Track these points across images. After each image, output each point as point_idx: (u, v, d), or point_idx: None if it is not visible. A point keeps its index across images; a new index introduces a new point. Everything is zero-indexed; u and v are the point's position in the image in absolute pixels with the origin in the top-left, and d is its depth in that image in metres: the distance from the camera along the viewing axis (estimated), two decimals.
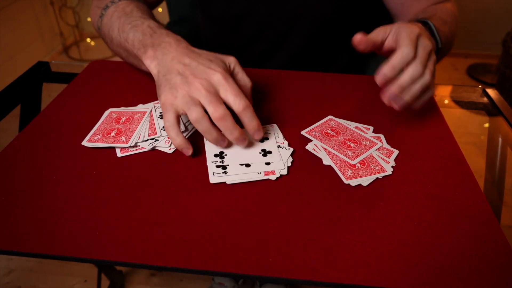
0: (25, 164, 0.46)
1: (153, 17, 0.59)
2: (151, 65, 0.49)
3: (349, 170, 0.45)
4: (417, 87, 0.46)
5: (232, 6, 0.73)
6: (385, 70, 0.44)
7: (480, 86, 0.70)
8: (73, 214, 0.40)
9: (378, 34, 0.48)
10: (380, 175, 0.45)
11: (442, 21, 0.59)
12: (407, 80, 0.45)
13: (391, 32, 0.48)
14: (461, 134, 0.53)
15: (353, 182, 0.44)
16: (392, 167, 0.46)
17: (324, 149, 0.48)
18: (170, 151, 0.48)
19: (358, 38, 0.46)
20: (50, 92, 0.65)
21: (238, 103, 0.44)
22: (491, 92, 0.67)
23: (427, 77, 0.46)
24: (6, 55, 1.95)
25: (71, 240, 0.37)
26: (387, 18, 0.75)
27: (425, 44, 0.47)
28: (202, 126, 0.43)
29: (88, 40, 2.54)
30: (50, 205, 0.41)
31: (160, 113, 0.54)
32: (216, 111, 0.43)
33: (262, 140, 0.49)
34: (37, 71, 0.72)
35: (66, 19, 2.34)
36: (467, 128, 0.60)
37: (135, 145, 0.49)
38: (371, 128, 0.53)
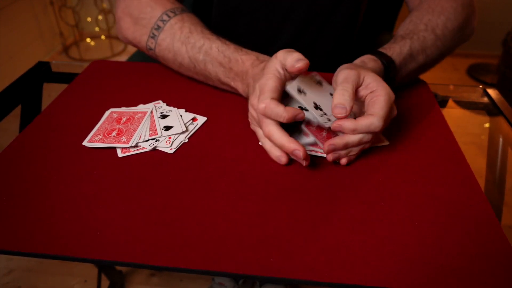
0: (26, 164, 0.46)
1: (205, 26, 0.60)
2: (245, 91, 0.55)
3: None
4: (358, 149, 0.46)
5: None
6: (336, 141, 0.44)
7: (480, 86, 0.70)
8: (73, 214, 0.40)
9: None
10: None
11: (428, 32, 0.58)
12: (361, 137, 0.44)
13: (363, 83, 0.46)
14: (461, 134, 0.53)
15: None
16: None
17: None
18: (171, 151, 0.48)
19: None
20: (51, 92, 0.65)
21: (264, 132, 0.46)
22: (491, 92, 0.67)
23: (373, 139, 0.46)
24: (6, 55, 1.95)
25: (71, 240, 0.37)
26: (385, 11, 0.75)
27: (394, 114, 0.47)
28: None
29: (88, 40, 2.54)
30: (50, 205, 0.41)
31: (161, 113, 0.54)
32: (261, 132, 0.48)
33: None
34: (38, 71, 0.72)
35: (66, 19, 2.34)
36: (467, 128, 0.60)
37: (136, 145, 0.49)
38: None
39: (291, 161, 0.47)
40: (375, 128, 0.43)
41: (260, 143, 0.49)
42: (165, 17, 0.59)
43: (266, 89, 0.45)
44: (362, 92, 0.46)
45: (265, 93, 0.45)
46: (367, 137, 0.45)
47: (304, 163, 0.45)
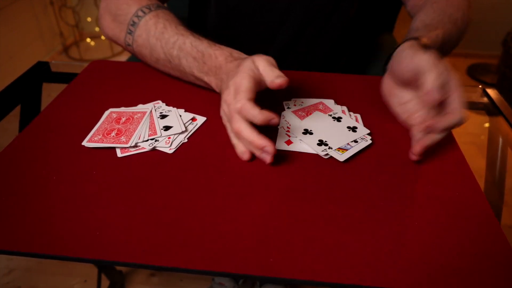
0: (25, 164, 0.46)
1: (180, 22, 0.60)
2: (217, 88, 0.54)
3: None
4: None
5: None
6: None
7: (480, 86, 0.70)
8: (73, 214, 0.40)
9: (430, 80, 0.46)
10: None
11: (450, 23, 0.60)
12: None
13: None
14: (461, 134, 0.53)
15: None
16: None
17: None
18: (170, 151, 0.48)
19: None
20: (50, 92, 0.65)
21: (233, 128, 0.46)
22: (491, 92, 0.67)
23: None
24: (6, 55, 1.95)
25: (71, 240, 0.37)
26: (385, 11, 0.75)
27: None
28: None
29: (88, 40, 2.54)
30: (50, 205, 0.41)
31: (160, 113, 0.54)
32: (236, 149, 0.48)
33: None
34: (37, 71, 0.72)
35: (66, 19, 2.34)
36: (467, 128, 0.60)
37: (135, 145, 0.49)
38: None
39: (291, 161, 0.47)
40: (459, 123, 0.45)
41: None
42: (140, 13, 0.60)
43: (242, 88, 0.46)
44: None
45: (241, 93, 0.45)
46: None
47: (268, 160, 0.45)
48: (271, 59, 0.50)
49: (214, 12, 0.76)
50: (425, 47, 0.54)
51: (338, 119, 0.53)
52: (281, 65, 0.76)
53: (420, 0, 0.69)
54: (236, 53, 0.54)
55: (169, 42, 0.57)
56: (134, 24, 0.61)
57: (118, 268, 1.05)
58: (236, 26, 0.76)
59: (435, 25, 0.59)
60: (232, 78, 0.48)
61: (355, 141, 0.49)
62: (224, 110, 0.50)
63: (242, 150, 0.47)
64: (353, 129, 0.51)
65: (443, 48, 0.58)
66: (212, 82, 0.55)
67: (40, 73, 0.72)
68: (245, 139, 0.46)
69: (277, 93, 0.60)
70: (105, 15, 0.65)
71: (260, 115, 0.44)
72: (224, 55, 0.53)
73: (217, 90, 0.55)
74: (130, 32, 0.61)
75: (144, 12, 0.60)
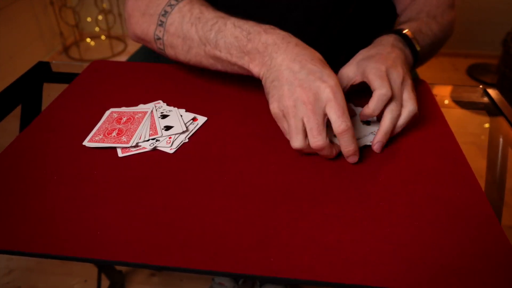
0: (26, 164, 0.46)
1: (217, 8, 0.56)
2: (260, 73, 0.48)
3: None
4: (402, 122, 0.49)
5: None
6: (379, 137, 0.48)
7: (480, 86, 0.70)
8: (73, 214, 0.40)
9: (345, 87, 0.51)
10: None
11: (428, 18, 0.61)
12: (389, 125, 0.48)
13: (355, 74, 0.51)
14: (461, 134, 0.53)
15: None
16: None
17: None
18: (171, 151, 0.48)
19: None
20: (51, 92, 0.65)
21: (339, 124, 0.43)
22: (491, 92, 0.67)
23: (409, 108, 0.48)
24: (6, 55, 1.95)
25: (71, 240, 0.37)
26: (385, 10, 0.75)
27: (396, 76, 0.48)
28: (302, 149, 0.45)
29: (88, 40, 2.54)
30: (50, 205, 0.41)
31: (161, 113, 0.54)
32: (314, 142, 0.43)
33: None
34: (38, 71, 0.72)
35: (66, 19, 2.34)
36: (467, 128, 0.60)
37: (136, 145, 0.49)
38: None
39: (291, 161, 0.47)
40: (385, 96, 0.46)
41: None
42: (173, 2, 0.56)
43: (345, 109, 0.43)
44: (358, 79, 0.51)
45: (346, 116, 0.43)
46: (394, 110, 0.47)
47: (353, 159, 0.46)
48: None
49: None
50: (405, 36, 0.56)
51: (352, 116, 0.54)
52: None
53: (407, 5, 0.70)
54: (293, 37, 0.49)
55: (206, 25, 0.52)
56: (166, 13, 0.56)
57: (118, 268, 1.05)
58: None
59: (408, 20, 0.61)
60: (316, 74, 0.43)
61: (373, 133, 0.51)
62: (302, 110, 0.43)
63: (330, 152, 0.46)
64: (367, 122, 0.53)
65: (422, 36, 0.59)
66: (255, 62, 0.48)
67: (41, 73, 0.72)
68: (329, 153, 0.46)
69: None
70: (134, 12, 0.61)
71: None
72: (279, 34, 0.47)
73: (259, 73, 0.49)
74: (161, 24, 0.56)
75: (177, 0, 0.56)
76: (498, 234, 0.38)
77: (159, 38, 0.58)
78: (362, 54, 0.53)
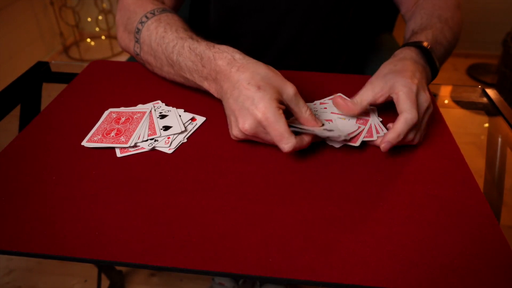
0: (25, 164, 0.46)
1: (182, 25, 0.57)
2: (218, 97, 0.51)
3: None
4: (410, 136, 0.48)
5: None
6: (390, 138, 0.46)
7: (479, 86, 0.70)
8: (73, 214, 0.40)
9: (366, 97, 0.50)
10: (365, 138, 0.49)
11: (441, 23, 0.60)
12: (403, 128, 0.46)
13: (383, 89, 0.49)
14: (461, 134, 0.53)
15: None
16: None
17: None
18: (170, 151, 0.48)
19: (340, 103, 0.50)
20: (50, 92, 0.65)
21: (282, 148, 0.44)
22: (490, 92, 0.67)
23: (421, 133, 0.49)
24: (6, 55, 1.95)
25: (71, 240, 0.37)
26: (385, 11, 0.75)
27: (423, 100, 0.48)
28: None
29: (88, 40, 2.54)
30: (50, 205, 0.41)
31: (160, 113, 0.54)
32: (265, 140, 0.46)
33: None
34: (37, 71, 0.72)
35: (66, 19, 2.34)
36: (467, 128, 0.60)
37: (135, 145, 0.49)
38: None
39: (291, 161, 0.47)
40: (412, 121, 0.46)
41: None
42: (144, 19, 0.58)
43: (284, 129, 0.44)
44: (385, 95, 0.49)
45: (286, 135, 0.43)
46: (413, 124, 0.46)
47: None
48: (297, 94, 0.48)
49: (214, 12, 0.76)
50: (422, 48, 0.55)
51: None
52: (281, 65, 0.76)
53: (412, 6, 0.69)
54: (239, 55, 0.49)
55: (169, 46, 0.55)
56: (138, 31, 0.59)
57: (118, 268, 1.05)
58: (236, 26, 0.76)
59: (424, 28, 0.60)
60: (250, 96, 0.45)
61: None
62: (239, 134, 0.47)
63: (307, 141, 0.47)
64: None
65: (439, 47, 0.58)
66: (212, 87, 0.51)
67: (40, 73, 0.72)
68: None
69: None
70: (119, 26, 0.64)
71: (305, 142, 0.46)
72: (225, 59, 0.48)
73: (218, 96, 0.51)
74: (137, 40, 0.59)
75: (147, 18, 0.58)
76: (497, 233, 0.38)
77: (137, 54, 0.62)
78: (387, 67, 0.52)
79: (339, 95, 0.51)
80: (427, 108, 0.49)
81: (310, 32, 0.74)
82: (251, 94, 0.44)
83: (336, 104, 0.51)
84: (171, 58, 0.55)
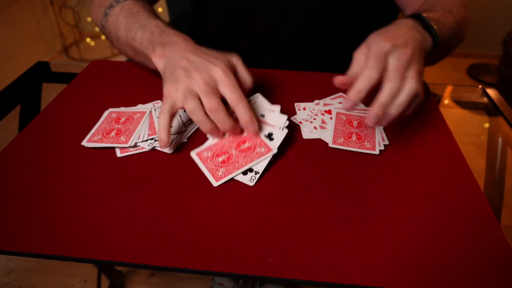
0: (25, 164, 0.46)
1: (159, 18, 0.60)
2: (159, 62, 0.52)
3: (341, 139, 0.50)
4: (402, 99, 0.44)
5: None
6: (349, 99, 0.44)
7: (480, 86, 0.70)
8: (73, 214, 0.40)
9: (356, 66, 0.48)
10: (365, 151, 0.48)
11: (444, 11, 0.58)
12: (386, 97, 0.44)
13: (366, 55, 0.47)
14: (461, 134, 0.53)
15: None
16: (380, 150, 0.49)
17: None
18: (170, 151, 0.48)
19: (339, 81, 0.48)
20: (50, 92, 0.65)
21: (233, 96, 0.46)
22: (491, 92, 0.67)
23: (409, 85, 0.44)
24: (6, 55, 1.95)
25: (71, 240, 0.37)
26: (386, 10, 0.75)
27: (400, 54, 0.45)
28: (197, 117, 0.46)
29: (88, 40, 2.54)
30: (50, 205, 0.41)
31: None
32: (209, 103, 0.45)
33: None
34: (37, 71, 0.72)
35: (66, 19, 2.34)
36: (467, 128, 0.60)
37: (135, 145, 0.49)
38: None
39: (291, 161, 0.47)
40: (368, 76, 0.44)
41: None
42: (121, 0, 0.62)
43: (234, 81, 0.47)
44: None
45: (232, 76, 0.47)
46: (393, 85, 0.44)
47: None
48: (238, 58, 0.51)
49: (215, 12, 0.76)
50: (425, 21, 0.53)
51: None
52: (282, 65, 0.76)
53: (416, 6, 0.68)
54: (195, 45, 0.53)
55: (135, 19, 0.58)
56: (111, 7, 0.62)
57: (118, 268, 1.05)
58: (237, 26, 0.76)
59: (428, 10, 0.57)
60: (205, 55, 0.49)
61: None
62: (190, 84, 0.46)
63: (211, 127, 0.46)
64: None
65: (441, 26, 0.55)
66: (156, 53, 0.52)
67: (40, 73, 0.72)
68: (221, 119, 0.46)
69: (285, 94, 0.60)
70: (94, 1, 0.68)
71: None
72: (186, 39, 0.53)
73: (158, 62, 0.52)
74: (106, 14, 0.63)
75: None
76: (498, 234, 0.38)
77: (103, 27, 0.65)
78: (375, 33, 0.50)
79: (341, 95, 0.51)
80: (409, 61, 0.45)
81: (310, 32, 0.74)
82: (210, 57, 0.48)
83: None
84: (130, 27, 0.58)
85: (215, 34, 0.80)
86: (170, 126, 0.46)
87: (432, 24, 0.53)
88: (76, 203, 0.41)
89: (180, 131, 0.51)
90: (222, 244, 0.37)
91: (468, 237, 0.38)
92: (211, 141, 0.49)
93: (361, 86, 0.44)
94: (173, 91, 0.46)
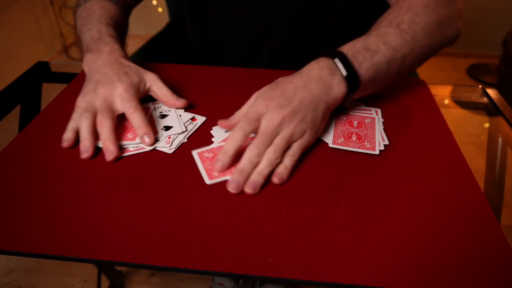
0: (25, 164, 0.46)
1: (113, 20, 0.63)
2: (85, 69, 0.55)
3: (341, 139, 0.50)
4: (262, 166, 0.44)
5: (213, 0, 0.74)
6: (218, 158, 0.45)
7: (480, 86, 0.70)
8: (73, 214, 0.40)
9: (240, 113, 0.50)
10: (365, 151, 0.48)
11: (391, 27, 0.53)
12: (245, 164, 0.43)
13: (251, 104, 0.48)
14: (461, 134, 0.53)
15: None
16: (380, 150, 0.49)
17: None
18: (170, 151, 0.48)
19: (222, 125, 0.50)
20: (50, 92, 0.65)
21: (126, 107, 0.49)
22: (491, 92, 0.67)
23: (268, 155, 0.44)
24: (6, 55, 1.95)
25: (71, 240, 0.37)
26: (376, 10, 0.75)
27: (270, 120, 0.45)
28: (81, 134, 0.48)
29: None
30: (50, 205, 0.41)
31: (160, 113, 0.54)
32: (99, 118, 0.48)
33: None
34: (37, 71, 0.72)
35: (66, 19, 2.34)
36: (467, 128, 0.60)
37: (135, 146, 0.49)
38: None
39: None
40: (236, 132, 0.45)
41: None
42: None
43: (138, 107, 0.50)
44: None
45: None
46: (252, 152, 0.44)
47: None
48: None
49: (208, 12, 0.76)
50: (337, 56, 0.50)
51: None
52: (276, 65, 0.76)
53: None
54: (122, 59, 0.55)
55: (85, 23, 0.61)
56: (79, 5, 0.67)
57: (118, 268, 1.05)
58: (229, 27, 0.76)
59: (362, 35, 0.54)
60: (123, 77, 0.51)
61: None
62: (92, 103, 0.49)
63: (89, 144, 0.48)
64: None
65: (379, 49, 0.51)
66: (86, 59, 0.55)
67: (40, 73, 0.72)
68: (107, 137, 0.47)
69: None
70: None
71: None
72: (115, 48, 0.56)
73: (84, 68, 0.55)
74: (78, 6, 0.67)
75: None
76: (498, 234, 0.38)
77: (75, 13, 0.68)
78: (266, 87, 0.49)
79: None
80: (276, 129, 0.45)
81: (302, 31, 0.74)
82: (120, 74, 0.52)
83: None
84: (80, 28, 0.62)
85: (210, 37, 0.80)
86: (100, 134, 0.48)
87: (352, 62, 0.49)
88: (76, 203, 0.41)
89: (181, 131, 0.51)
90: (222, 244, 0.37)
91: (468, 237, 0.38)
92: (215, 144, 0.49)
93: (229, 146, 0.44)
94: (81, 102, 0.50)
